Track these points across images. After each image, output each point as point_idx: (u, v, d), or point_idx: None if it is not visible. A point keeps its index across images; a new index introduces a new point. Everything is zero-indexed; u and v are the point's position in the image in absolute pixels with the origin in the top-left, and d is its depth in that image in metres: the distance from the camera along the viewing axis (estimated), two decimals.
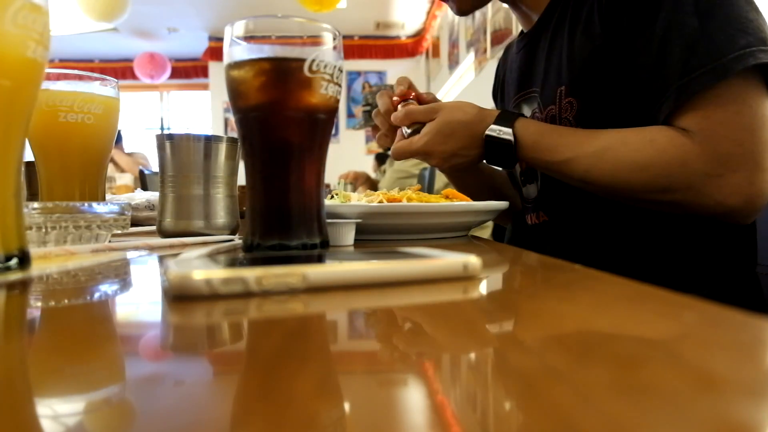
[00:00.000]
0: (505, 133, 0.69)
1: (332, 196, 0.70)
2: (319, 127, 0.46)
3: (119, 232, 0.53)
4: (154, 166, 3.20)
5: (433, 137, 0.71)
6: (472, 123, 0.71)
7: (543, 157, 0.68)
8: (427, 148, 0.72)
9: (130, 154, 3.96)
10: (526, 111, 0.82)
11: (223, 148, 0.62)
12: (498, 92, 1.03)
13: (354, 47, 5.91)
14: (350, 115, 6.25)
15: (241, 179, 0.54)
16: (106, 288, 0.34)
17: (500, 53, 1.06)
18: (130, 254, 0.48)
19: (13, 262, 0.33)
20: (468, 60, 4.19)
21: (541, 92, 0.78)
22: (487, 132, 0.70)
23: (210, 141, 0.61)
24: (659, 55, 0.62)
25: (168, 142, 0.61)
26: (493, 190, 0.98)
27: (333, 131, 0.52)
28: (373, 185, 3.07)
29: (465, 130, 0.71)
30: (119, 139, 4.02)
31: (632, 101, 0.66)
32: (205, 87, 6.50)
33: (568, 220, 0.78)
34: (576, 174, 0.67)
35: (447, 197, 0.67)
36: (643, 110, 0.65)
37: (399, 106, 0.76)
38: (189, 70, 6.59)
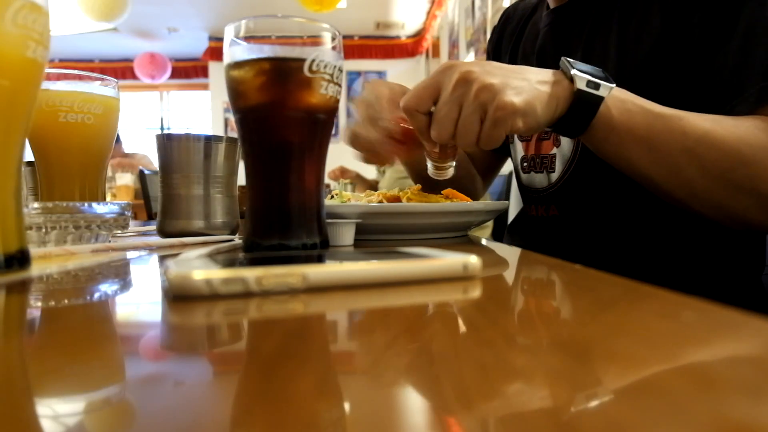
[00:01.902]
0: (594, 66, 0.56)
1: (332, 196, 0.70)
2: (319, 127, 0.46)
3: (119, 232, 0.53)
4: (155, 166, 3.20)
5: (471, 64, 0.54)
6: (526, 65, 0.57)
7: (644, 104, 0.56)
8: (465, 66, 0.53)
9: (130, 155, 3.96)
10: None
11: (223, 148, 0.62)
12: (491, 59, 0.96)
13: (354, 47, 5.90)
14: (350, 115, 6.25)
15: (241, 179, 0.54)
16: (106, 288, 0.34)
17: None
18: (130, 254, 0.48)
19: (13, 262, 0.33)
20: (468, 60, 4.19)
21: None
22: (565, 58, 0.56)
23: (210, 141, 0.61)
24: (741, 55, 0.58)
25: (168, 142, 0.61)
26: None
27: (333, 131, 0.52)
28: (370, 185, 3.06)
29: (519, 70, 0.56)
30: (117, 140, 4.01)
31: (689, 101, 0.62)
32: (205, 87, 6.50)
33: (581, 218, 0.76)
34: (693, 132, 0.54)
35: (447, 197, 0.67)
36: (697, 110, 0.60)
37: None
38: (189, 70, 6.59)
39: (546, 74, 0.56)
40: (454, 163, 0.63)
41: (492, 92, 0.52)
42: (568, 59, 0.56)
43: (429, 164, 0.63)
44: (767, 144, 0.54)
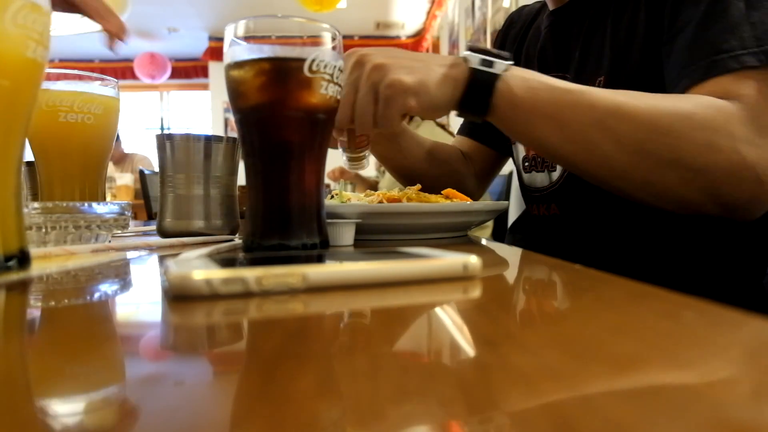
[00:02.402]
0: (495, 51, 0.57)
1: (332, 196, 0.70)
2: (319, 127, 0.46)
3: (119, 232, 0.53)
4: (154, 167, 3.20)
5: (371, 52, 0.58)
6: (429, 54, 0.59)
7: (550, 82, 0.56)
8: (363, 51, 0.57)
9: (130, 155, 3.95)
10: None
11: (222, 148, 0.62)
12: None
13: (354, 47, 5.90)
14: None
15: (241, 179, 0.54)
16: (106, 288, 0.34)
17: None
18: (130, 254, 0.48)
19: (13, 262, 0.33)
20: None
21: (574, 79, 0.73)
22: (469, 43, 0.62)
23: (210, 141, 0.61)
24: (698, 31, 0.59)
25: (168, 142, 0.61)
26: (442, 168, 0.89)
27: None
28: (370, 185, 3.06)
29: (420, 55, 0.58)
30: (116, 139, 3.99)
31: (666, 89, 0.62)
32: (205, 87, 6.50)
33: (581, 217, 0.76)
34: (602, 105, 0.54)
35: (447, 197, 0.67)
36: None
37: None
38: (189, 70, 6.59)
39: (447, 59, 0.57)
40: (367, 153, 0.65)
41: (382, 72, 0.54)
42: (472, 43, 0.58)
43: (344, 157, 0.65)
44: (688, 114, 0.53)
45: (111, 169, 3.78)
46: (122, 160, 3.86)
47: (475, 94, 0.56)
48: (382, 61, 0.54)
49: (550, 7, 0.82)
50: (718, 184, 0.54)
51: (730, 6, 0.58)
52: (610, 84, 0.68)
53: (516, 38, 0.94)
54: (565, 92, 0.55)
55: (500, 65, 0.55)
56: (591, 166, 0.58)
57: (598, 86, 0.69)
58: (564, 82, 0.56)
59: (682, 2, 0.62)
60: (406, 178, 0.88)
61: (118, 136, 4.01)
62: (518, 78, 0.55)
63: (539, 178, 0.82)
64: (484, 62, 0.55)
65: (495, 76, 0.55)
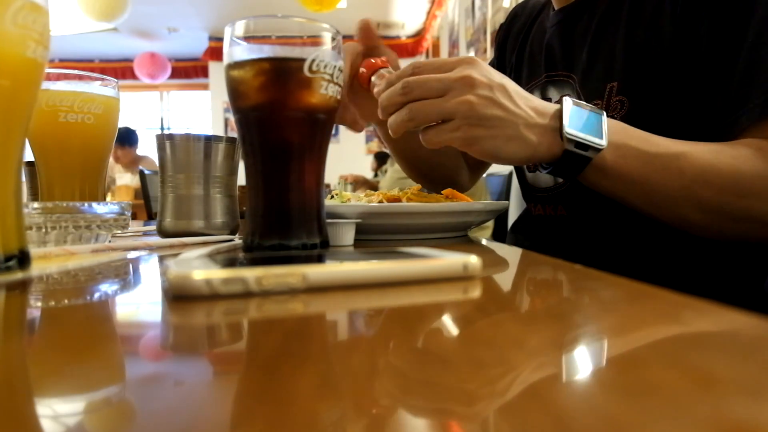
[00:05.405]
0: (589, 106, 0.56)
1: (332, 196, 0.70)
2: (319, 127, 0.46)
3: (119, 232, 0.53)
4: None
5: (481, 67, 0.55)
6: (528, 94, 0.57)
7: (641, 145, 0.55)
8: (482, 72, 0.54)
9: (142, 157, 3.92)
10: (554, 95, 0.77)
11: (222, 148, 0.62)
12: (496, 61, 0.97)
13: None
14: None
15: (241, 179, 0.54)
16: (106, 288, 0.34)
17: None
18: (130, 254, 0.48)
19: (13, 262, 0.33)
20: None
21: (581, 81, 0.73)
22: (571, 100, 0.55)
23: (210, 141, 0.61)
24: (748, 66, 0.58)
25: (168, 142, 0.61)
26: (433, 162, 0.88)
27: (333, 131, 0.52)
28: (371, 187, 3.12)
29: (523, 92, 0.56)
30: (135, 140, 3.96)
31: (695, 108, 0.62)
32: (205, 87, 6.51)
33: (589, 217, 0.75)
34: (691, 170, 0.54)
35: (447, 197, 0.67)
36: (702, 119, 0.60)
37: (373, 79, 0.62)
38: (189, 70, 6.60)
39: (543, 118, 0.55)
40: None
41: (475, 112, 0.52)
42: (573, 103, 0.55)
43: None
44: (764, 172, 0.54)
45: (121, 171, 3.77)
46: (134, 163, 3.82)
47: (564, 168, 0.56)
48: (481, 105, 0.52)
49: (556, 6, 0.81)
50: None
51: None
52: (624, 91, 0.67)
53: (520, 33, 0.92)
54: (656, 156, 0.55)
55: (594, 150, 0.54)
56: (667, 220, 0.59)
57: (610, 93, 0.68)
58: (656, 142, 0.55)
59: (723, 27, 0.60)
60: (406, 160, 0.89)
61: (136, 139, 3.93)
62: (611, 145, 0.54)
63: (543, 178, 0.81)
64: (579, 145, 0.54)
65: (588, 159, 0.54)
